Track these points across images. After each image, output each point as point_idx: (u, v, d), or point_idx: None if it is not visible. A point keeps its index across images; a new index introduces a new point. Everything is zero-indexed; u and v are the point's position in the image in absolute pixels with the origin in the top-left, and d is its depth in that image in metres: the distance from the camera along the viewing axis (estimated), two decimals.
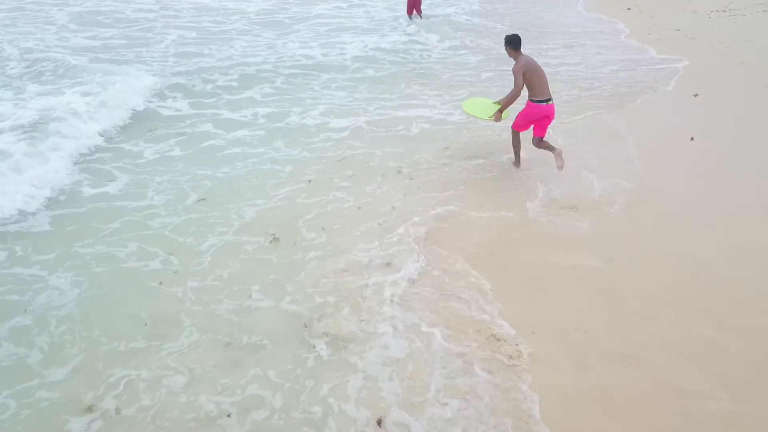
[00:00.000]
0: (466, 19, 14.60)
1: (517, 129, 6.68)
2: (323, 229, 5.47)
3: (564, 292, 4.64)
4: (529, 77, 6.28)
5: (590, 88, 9.66)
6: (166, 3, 15.30)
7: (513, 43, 6.36)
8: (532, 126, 6.54)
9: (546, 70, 6.49)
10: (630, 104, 8.89)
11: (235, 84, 9.48)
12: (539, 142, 6.61)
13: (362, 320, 4.31)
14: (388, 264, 4.95)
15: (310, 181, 6.50)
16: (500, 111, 6.51)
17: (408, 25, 13.56)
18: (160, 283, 4.73)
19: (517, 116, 6.64)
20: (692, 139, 7.64)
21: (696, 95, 9.23)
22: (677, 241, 5.32)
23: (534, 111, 6.44)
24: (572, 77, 10.15)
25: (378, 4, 15.99)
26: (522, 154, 6.84)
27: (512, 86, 6.35)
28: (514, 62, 6.36)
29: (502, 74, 9.81)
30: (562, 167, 6.49)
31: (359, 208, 5.86)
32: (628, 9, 15.43)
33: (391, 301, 4.51)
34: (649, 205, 5.97)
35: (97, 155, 7.00)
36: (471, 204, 5.96)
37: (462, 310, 4.44)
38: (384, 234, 5.38)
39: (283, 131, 7.87)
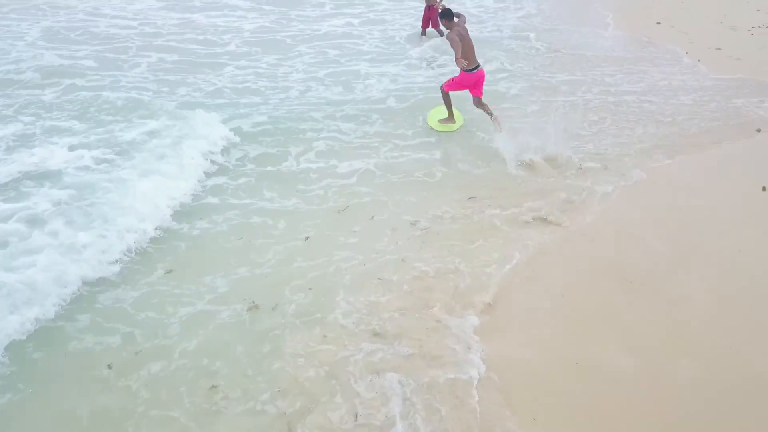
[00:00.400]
0: (496, 34, 13.36)
1: (447, 89, 7.90)
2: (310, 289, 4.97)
3: None
4: (462, 46, 7.25)
5: (674, 122, 8.61)
6: (147, 17, 14.27)
7: (448, 16, 7.50)
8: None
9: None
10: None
11: None
12: (479, 102, 7.82)
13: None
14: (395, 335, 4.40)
15: (307, 238, 5.70)
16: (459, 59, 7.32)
17: (423, 42, 12.60)
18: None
19: (450, 80, 7.92)
20: None
21: None
22: None
23: (466, 78, 7.64)
24: (645, 109, 9.08)
25: (394, 19, 14.81)
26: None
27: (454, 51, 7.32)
28: (449, 31, 7.49)
29: (551, 106, 8.88)
30: (500, 130, 7.64)
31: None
32: (658, 23, 13.94)
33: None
34: None
35: None
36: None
37: None
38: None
39: (275, 176, 7.02)
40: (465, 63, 7.23)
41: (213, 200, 6.45)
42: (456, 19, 7.51)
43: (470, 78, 7.58)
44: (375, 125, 8.41)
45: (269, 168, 7.18)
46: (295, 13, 14.81)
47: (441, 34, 12.66)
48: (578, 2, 16.14)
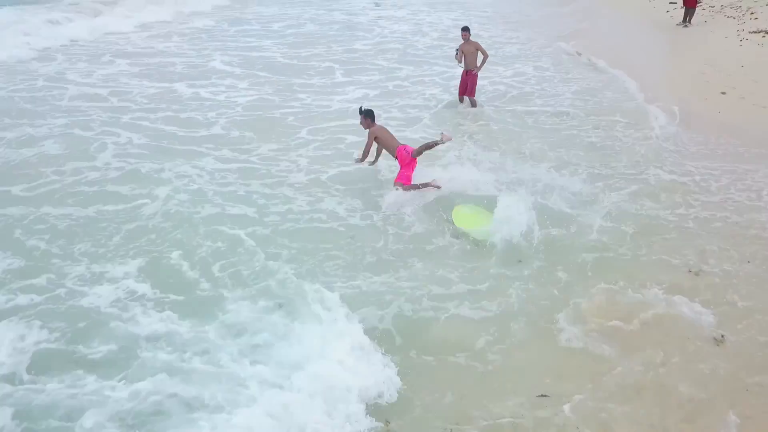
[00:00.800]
0: (540, 109, 10.86)
1: (402, 182, 7.44)
2: None
3: None
4: (382, 141, 7.53)
5: None
6: (120, 85, 11.58)
7: (369, 115, 7.57)
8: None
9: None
10: None
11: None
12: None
13: None
14: None
15: None
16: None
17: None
18: None
19: (398, 177, 7.48)
20: None
21: None
22: None
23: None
24: None
25: (415, 89, 12.29)
26: None
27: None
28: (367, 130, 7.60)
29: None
30: (439, 187, 7.37)
31: None
32: (723, 93, 11.25)
33: None
34: None
35: None
36: None
37: None
38: None
39: None
40: (362, 162, 7.73)
41: None
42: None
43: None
44: (415, 269, 5.77)
45: None
46: (298, 82, 12.34)
47: (474, 104, 11.28)
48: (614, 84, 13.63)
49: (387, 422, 4.05)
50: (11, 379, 4.19)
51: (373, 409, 4.10)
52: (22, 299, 5.07)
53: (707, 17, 17.92)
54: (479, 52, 11.04)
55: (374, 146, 7.61)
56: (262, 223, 6.53)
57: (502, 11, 22.79)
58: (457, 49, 11.08)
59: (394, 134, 7.66)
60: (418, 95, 11.54)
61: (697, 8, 17.57)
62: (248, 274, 5.51)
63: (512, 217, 6.25)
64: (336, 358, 4.36)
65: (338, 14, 21.28)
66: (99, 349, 4.53)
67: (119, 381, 4.19)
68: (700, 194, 7.38)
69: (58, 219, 6.47)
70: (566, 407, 4.17)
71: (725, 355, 4.68)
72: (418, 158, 7.37)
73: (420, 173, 7.40)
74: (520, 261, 5.94)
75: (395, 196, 7.15)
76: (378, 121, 7.58)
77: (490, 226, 6.45)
